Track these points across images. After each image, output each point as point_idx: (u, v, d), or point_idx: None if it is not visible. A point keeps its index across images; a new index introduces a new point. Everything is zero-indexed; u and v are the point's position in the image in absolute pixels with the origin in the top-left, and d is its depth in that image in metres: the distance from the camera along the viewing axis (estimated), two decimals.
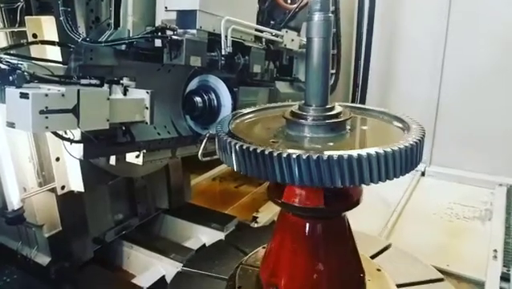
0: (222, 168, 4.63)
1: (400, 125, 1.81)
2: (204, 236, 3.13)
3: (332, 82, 4.03)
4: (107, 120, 1.58)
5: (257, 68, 2.47)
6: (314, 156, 1.38)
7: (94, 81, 1.57)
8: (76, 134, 1.75)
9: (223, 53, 2.08)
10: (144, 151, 2.13)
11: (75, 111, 1.47)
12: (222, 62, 2.18)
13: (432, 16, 4.07)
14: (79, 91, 1.46)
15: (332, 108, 1.81)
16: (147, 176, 3.02)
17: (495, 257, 2.76)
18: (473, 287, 2.65)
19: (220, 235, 3.02)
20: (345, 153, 1.38)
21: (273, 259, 1.92)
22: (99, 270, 2.64)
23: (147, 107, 1.76)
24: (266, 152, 1.43)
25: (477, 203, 3.79)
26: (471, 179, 4.20)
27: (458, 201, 3.84)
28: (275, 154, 1.42)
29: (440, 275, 2.35)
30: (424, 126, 1.69)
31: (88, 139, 1.74)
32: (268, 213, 3.43)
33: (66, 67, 1.79)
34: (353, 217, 1.98)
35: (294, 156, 1.39)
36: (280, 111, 2.00)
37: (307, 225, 1.85)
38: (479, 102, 4.11)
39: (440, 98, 4.23)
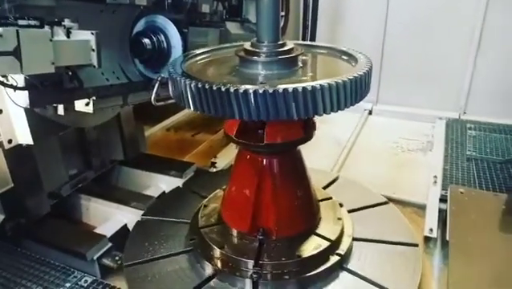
0: (176, 117, 4.59)
1: (349, 59, 1.88)
2: (163, 184, 3.14)
3: (282, 24, 4.02)
4: (53, 64, 1.50)
5: (205, 8, 2.40)
6: (270, 90, 1.42)
7: (33, 22, 1.47)
8: (19, 81, 1.66)
9: None
10: (94, 98, 2.06)
11: (17, 53, 1.38)
12: (169, 1, 2.11)
13: None
14: (18, 31, 1.37)
15: (284, 44, 1.83)
16: (99, 127, 2.94)
17: (435, 182, 3.02)
18: (416, 210, 2.90)
19: (179, 182, 3.06)
20: (299, 86, 1.43)
21: (241, 202, 1.98)
22: (59, 222, 2.60)
23: (93, 50, 1.69)
24: (223, 89, 1.45)
25: (420, 136, 4.06)
26: (415, 115, 4.45)
27: (403, 135, 4.09)
28: (232, 90, 1.44)
29: (385, 200, 2.56)
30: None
31: (33, 85, 1.66)
32: (226, 158, 3.49)
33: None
34: (305, 156, 2.08)
35: (251, 90, 1.43)
36: (232, 52, 2.00)
37: (277, 159, 1.93)
38: (422, 41, 4.28)
39: (386, 37, 4.35)
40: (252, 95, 1.43)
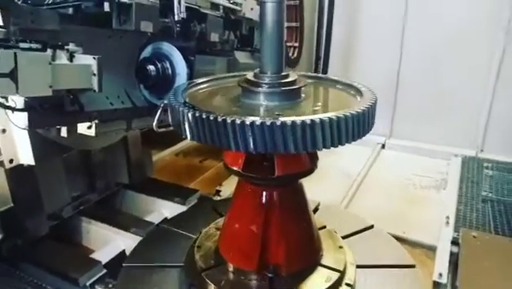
0: (185, 143, 4.58)
1: (354, 92, 1.82)
2: (166, 210, 3.10)
3: (295, 55, 4.03)
4: (50, 87, 1.50)
5: (214, 37, 2.41)
6: (268, 122, 1.37)
7: (35, 45, 1.48)
8: (19, 102, 1.66)
9: (176, 19, 2.01)
10: (96, 121, 2.05)
11: (13, 75, 1.38)
12: (177, 28, 2.11)
13: None
14: (15, 53, 1.37)
15: (287, 76, 1.79)
16: (105, 150, 2.94)
17: (447, 223, 2.88)
18: (425, 252, 2.77)
19: (182, 209, 3.01)
20: (298, 119, 1.38)
21: (246, 238, 1.89)
22: (56, 245, 2.57)
23: (94, 74, 1.69)
24: (220, 120, 1.41)
25: (434, 173, 3.93)
26: (429, 150, 4.34)
27: (416, 172, 3.97)
28: (229, 121, 1.40)
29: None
30: (385, 99, 1.72)
31: (33, 107, 1.66)
32: (231, 186, 3.42)
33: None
34: (315, 188, 2.01)
35: (248, 122, 1.38)
36: (237, 81, 1.97)
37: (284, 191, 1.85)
38: (438, 74, 4.21)
39: (401, 70, 4.30)
40: (249, 127, 1.38)
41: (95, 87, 1.70)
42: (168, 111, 1.71)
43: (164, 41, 2.15)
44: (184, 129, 1.58)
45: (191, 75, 2.16)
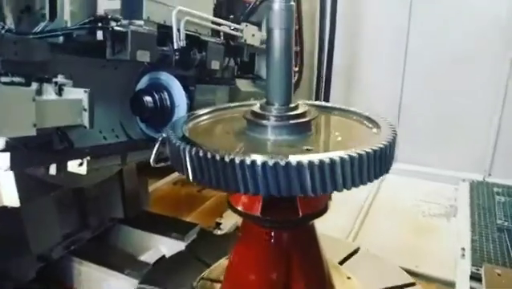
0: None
1: (370, 124, 1.68)
2: (163, 246, 2.90)
3: (296, 79, 3.91)
4: (34, 126, 1.34)
5: (215, 65, 2.28)
6: (282, 163, 1.21)
7: (17, 79, 1.33)
8: (0, 142, 1.50)
9: (175, 47, 1.87)
10: (88, 158, 1.88)
11: None
12: (176, 57, 1.98)
13: (394, 10, 4.02)
14: None
15: (296, 107, 1.64)
16: (98, 183, 2.76)
17: (463, 255, 2.72)
18: (442, 287, 2.59)
19: (181, 245, 2.82)
20: (316, 158, 1.22)
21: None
22: None
23: (85, 109, 1.53)
24: (227, 159, 1.25)
25: (442, 199, 3.78)
26: (435, 175, 4.20)
27: (423, 198, 3.82)
28: (237, 161, 1.24)
29: (411, 280, 2.27)
30: None
31: (15, 147, 1.49)
32: (232, 218, 3.25)
33: None
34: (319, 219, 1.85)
35: (259, 162, 1.22)
36: (240, 111, 1.84)
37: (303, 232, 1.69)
38: (441, 99, 4.11)
39: (403, 94, 4.20)
40: (260, 168, 1.22)
41: (86, 123, 1.54)
42: (167, 148, 1.56)
43: (162, 70, 2.01)
44: (186, 169, 1.42)
45: (191, 106, 2.02)
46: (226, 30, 2.35)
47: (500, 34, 3.69)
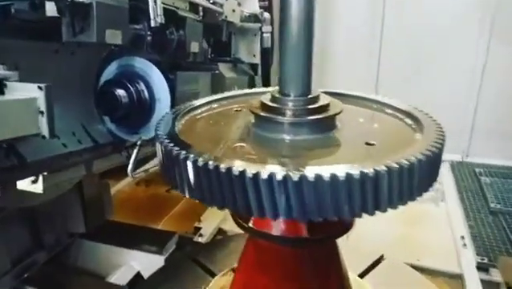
0: (147, 167, 3.95)
1: (405, 119, 1.37)
2: (137, 262, 2.50)
3: None
4: None
5: (194, 46, 1.88)
6: (310, 177, 0.87)
7: None
8: None
9: (152, 24, 1.46)
10: (45, 173, 1.45)
11: None
12: (150, 38, 1.57)
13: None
14: None
15: (317, 99, 1.30)
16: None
17: (464, 245, 2.58)
18: (448, 281, 2.43)
19: (158, 260, 2.43)
20: (355, 171, 0.89)
21: None
22: None
23: (42, 112, 1.10)
24: (236, 172, 0.90)
25: None
26: None
27: None
28: (249, 175, 0.89)
29: None
30: None
31: None
32: (213, 220, 2.89)
33: None
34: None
35: (280, 176, 0.87)
36: (238, 102, 1.49)
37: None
38: (418, 79, 3.97)
39: (379, 78, 4.02)
40: (281, 185, 0.88)
41: (45, 131, 1.11)
42: (158, 154, 1.17)
43: (133, 55, 1.58)
44: (182, 183, 1.05)
45: (173, 99, 1.62)
46: (205, 3, 1.94)
47: (476, 12, 3.57)
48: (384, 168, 0.88)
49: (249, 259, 1.49)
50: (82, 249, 2.60)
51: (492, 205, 2.94)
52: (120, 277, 2.38)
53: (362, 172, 0.86)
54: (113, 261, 2.52)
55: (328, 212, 0.90)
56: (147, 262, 2.43)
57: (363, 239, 2.52)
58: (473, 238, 2.64)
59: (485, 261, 2.40)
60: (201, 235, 2.72)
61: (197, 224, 2.86)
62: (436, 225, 2.98)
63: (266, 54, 2.55)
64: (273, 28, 3.23)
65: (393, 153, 0.94)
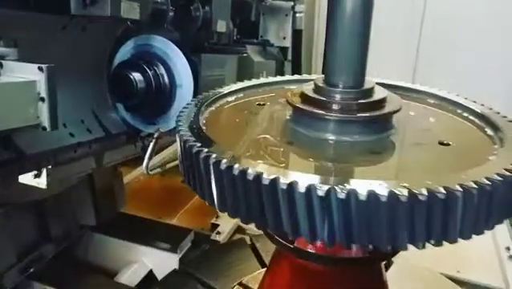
0: (163, 156, 3.77)
1: (479, 122, 1.11)
2: (149, 259, 2.33)
3: None
4: None
5: (221, 26, 1.65)
6: (362, 195, 0.65)
7: None
8: None
9: None
10: (49, 167, 1.26)
11: None
12: (171, 14, 1.35)
13: None
14: None
15: (371, 92, 1.05)
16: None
17: (510, 257, 2.33)
18: None
19: (172, 259, 2.25)
20: (421, 190, 0.66)
21: None
22: None
23: (42, 98, 0.90)
24: (266, 182, 0.70)
25: None
26: None
27: None
28: (283, 185, 0.69)
29: None
30: None
31: None
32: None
33: None
34: None
35: (322, 192, 0.67)
36: (273, 91, 1.29)
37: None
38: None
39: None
40: (322, 203, 0.67)
41: (46, 122, 0.91)
42: (179, 152, 0.97)
43: (153, 34, 1.37)
44: (205, 191, 0.86)
45: (196, 86, 1.40)
46: None
47: None
48: (459, 189, 0.65)
49: (280, 280, 1.29)
50: (92, 243, 2.44)
51: None
52: (132, 275, 2.22)
53: (432, 193, 0.64)
54: (124, 257, 2.36)
55: (382, 240, 0.68)
56: (160, 261, 2.27)
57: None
58: None
59: None
60: (218, 233, 2.54)
61: (214, 220, 2.68)
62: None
63: (297, 36, 2.30)
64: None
65: (466, 167, 0.72)
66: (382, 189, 0.63)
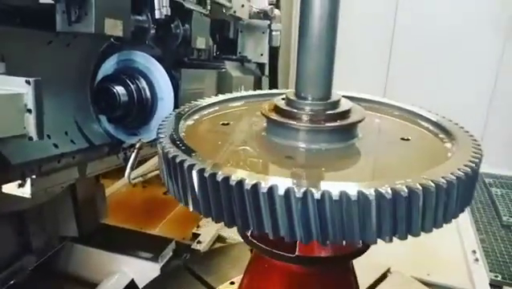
0: (145, 168, 3.80)
1: (433, 129, 1.23)
2: (131, 269, 2.35)
3: None
4: None
5: (201, 42, 1.74)
6: (335, 195, 0.74)
7: None
8: None
9: (157, 16, 1.32)
10: (34, 176, 1.31)
11: None
12: (154, 31, 1.43)
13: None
14: None
15: (337, 104, 1.15)
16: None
17: (476, 260, 2.45)
18: None
19: (154, 267, 2.29)
20: (385, 189, 0.75)
21: None
22: None
23: (29, 110, 0.96)
24: (248, 186, 0.77)
25: None
26: None
27: None
28: (263, 189, 0.76)
29: None
30: None
31: None
32: (212, 226, 2.75)
33: None
34: None
35: (298, 195, 0.75)
36: (248, 104, 1.36)
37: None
38: (426, 85, 3.85)
39: (389, 72, 3.90)
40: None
41: (33, 132, 0.97)
42: (159, 160, 1.04)
43: (136, 50, 1.45)
44: (186, 195, 0.92)
45: (176, 99, 1.48)
46: None
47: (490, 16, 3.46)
48: (417, 188, 0.75)
49: (255, 277, 1.36)
50: (73, 254, 2.45)
51: (504, 218, 2.82)
52: (113, 285, 2.24)
53: (395, 191, 0.73)
54: (106, 267, 2.38)
55: (354, 235, 0.77)
56: (141, 270, 2.30)
57: (372, 252, 2.39)
58: (486, 253, 2.52)
59: (499, 278, 2.28)
60: (199, 242, 2.58)
61: (195, 230, 2.72)
62: (446, 238, 2.85)
63: (274, 53, 2.42)
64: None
65: (424, 169, 0.82)
66: (352, 189, 0.72)
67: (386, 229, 0.76)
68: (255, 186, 0.73)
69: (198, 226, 2.76)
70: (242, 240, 1.19)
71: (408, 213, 0.76)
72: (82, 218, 2.48)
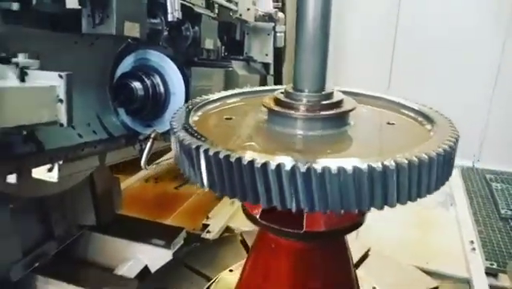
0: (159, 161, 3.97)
1: (418, 117, 1.37)
2: (145, 256, 2.52)
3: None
4: None
5: (209, 43, 1.90)
6: (318, 168, 0.88)
7: None
8: None
9: (170, 19, 1.48)
10: (60, 162, 1.47)
11: None
12: (166, 33, 1.59)
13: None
14: None
15: (331, 95, 1.31)
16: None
17: (473, 249, 2.56)
18: (457, 286, 2.42)
19: (166, 254, 2.44)
20: (362, 164, 0.89)
21: None
22: None
23: (61, 100, 1.13)
24: (258, 165, 0.91)
25: None
26: None
27: None
28: (258, 165, 0.90)
29: (434, 284, 2.08)
30: None
31: None
32: (221, 218, 2.91)
33: None
34: None
35: (288, 167, 0.89)
36: (252, 99, 1.51)
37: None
38: (428, 83, 3.96)
39: (392, 74, 4.01)
40: (288, 175, 0.90)
41: (63, 119, 1.13)
42: (173, 146, 1.19)
43: (150, 49, 1.61)
44: (198, 174, 1.07)
45: (187, 94, 1.64)
46: (221, 0, 1.96)
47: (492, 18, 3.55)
48: (391, 164, 0.89)
49: (261, 256, 1.50)
50: (91, 241, 2.63)
51: (502, 211, 2.92)
52: (128, 270, 2.40)
53: (371, 167, 0.87)
54: (122, 254, 2.54)
55: (350, 204, 0.91)
56: (155, 256, 2.45)
57: (374, 241, 2.52)
58: (483, 243, 2.62)
59: (494, 266, 2.38)
60: (208, 232, 2.74)
61: (205, 221, 2.88)
62: (445, 230, 2.96)
63: (278, 53, 2.57)
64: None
65: (409, 147, 0.96)
66: (348, 164, 0.86)
67: (377, 198, 0.91)
68: (265, 165, 0.87)
69: (208, 218, 2.92)
70: (253, 224, 1.34)
71: (397, 184, 0.91)
72: (99, 209, 2.65)
